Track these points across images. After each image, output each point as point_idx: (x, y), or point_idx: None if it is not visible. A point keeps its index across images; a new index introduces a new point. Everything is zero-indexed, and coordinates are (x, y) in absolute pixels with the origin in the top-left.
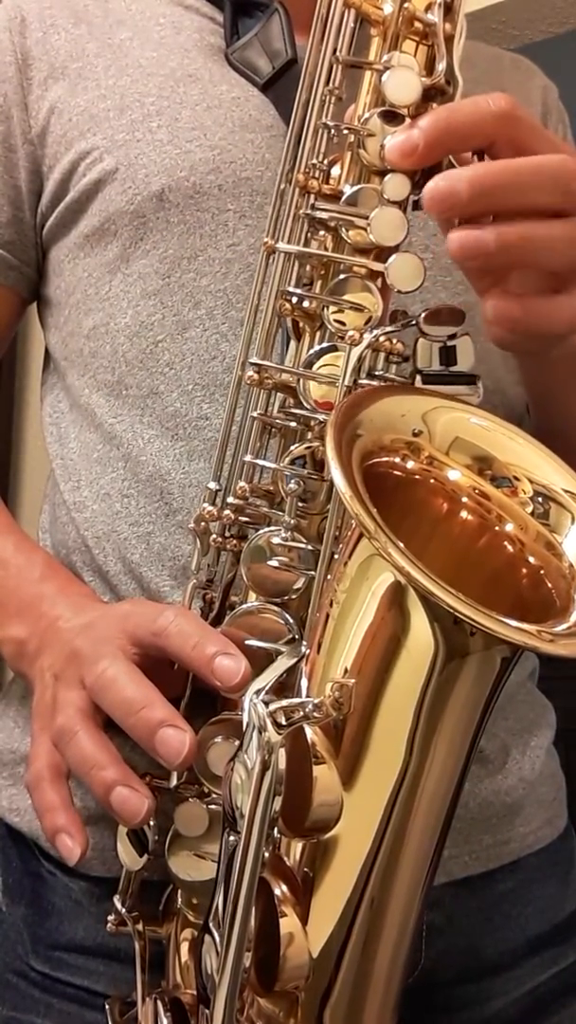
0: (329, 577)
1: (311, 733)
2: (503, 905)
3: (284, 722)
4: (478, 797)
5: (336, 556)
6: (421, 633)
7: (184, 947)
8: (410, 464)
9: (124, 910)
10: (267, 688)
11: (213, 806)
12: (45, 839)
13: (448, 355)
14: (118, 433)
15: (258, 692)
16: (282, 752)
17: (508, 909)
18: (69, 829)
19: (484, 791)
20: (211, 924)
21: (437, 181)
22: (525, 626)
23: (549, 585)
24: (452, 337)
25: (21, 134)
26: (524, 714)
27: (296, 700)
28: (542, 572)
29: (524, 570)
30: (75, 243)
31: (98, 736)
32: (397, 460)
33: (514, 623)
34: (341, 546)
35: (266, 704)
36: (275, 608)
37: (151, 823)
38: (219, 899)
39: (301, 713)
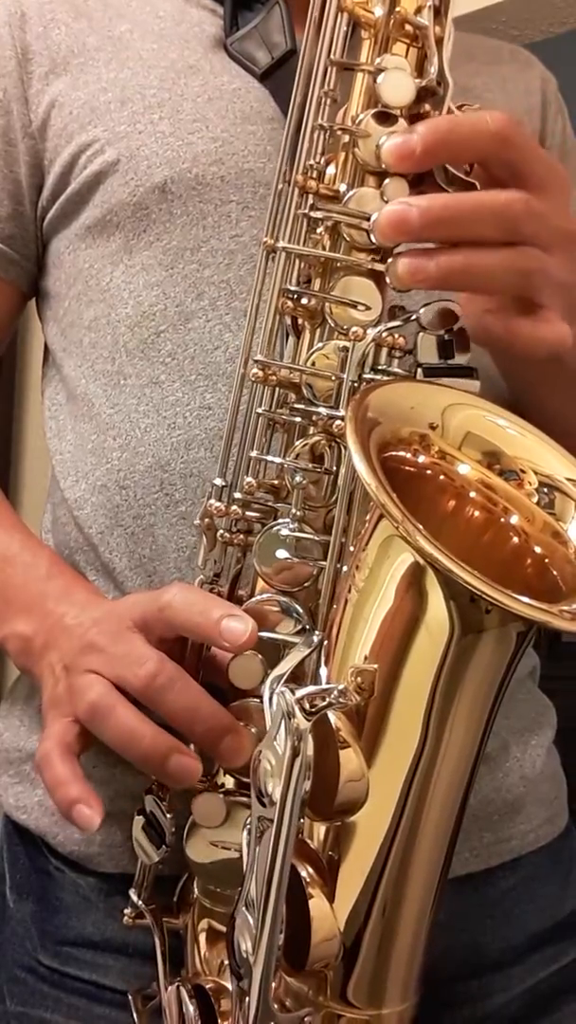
0: (344, 567)
1: (334, 718)
2: (504, 903)
3: (311, 708)
4: (479, 794)
5: (348, 545)
6: (439, 613)
7: (202, 936)
8: (421, 459)
9: (141, 903)
10: (285, 677)
11: (229, 796)
12: (52, 835)
13: (446, 348)
14: (115, 423)
15: (277, 681)
16: (310, 738)
17: (509, 907)
18: (83, 799)
19: (485, 788)
20: (243, 907)
21: (391, 206)
22: (542, 604)
23: (555, 572)
24: (450, 331)
25: (21, 128)
26: (525, 712)
27: (322, 687)
28: (547, 561)
29: (530, 560)
30: (76, 234)
31: (136, 710)
32: (408, 455)
33: (530, 601)
34: (357, 537)
35: (292, 692)
36: (284, 599)
37: (168, 816)
38: (250, 883)
39: (327, 700)
